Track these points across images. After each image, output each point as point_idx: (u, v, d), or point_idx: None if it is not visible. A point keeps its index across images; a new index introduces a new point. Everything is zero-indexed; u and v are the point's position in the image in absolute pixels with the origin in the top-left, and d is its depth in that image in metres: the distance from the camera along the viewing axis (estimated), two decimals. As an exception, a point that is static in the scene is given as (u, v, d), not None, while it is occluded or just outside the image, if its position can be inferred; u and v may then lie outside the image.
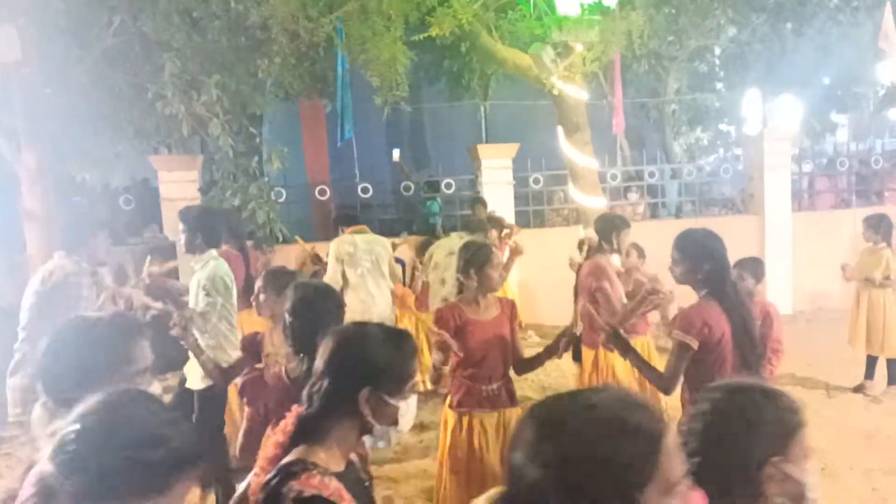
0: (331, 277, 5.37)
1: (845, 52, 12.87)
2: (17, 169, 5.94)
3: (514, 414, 3.29)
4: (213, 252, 4.08)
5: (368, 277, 5.43)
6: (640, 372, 3.04)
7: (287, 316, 2.58)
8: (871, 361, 5.94)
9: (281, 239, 7.77)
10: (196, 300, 3.94)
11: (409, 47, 7.92)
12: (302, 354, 2.50)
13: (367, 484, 1.71)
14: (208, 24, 7.22)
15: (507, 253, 5.93)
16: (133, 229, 8.73)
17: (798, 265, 9.08)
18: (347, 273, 5.40)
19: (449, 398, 3.36)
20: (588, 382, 4.13)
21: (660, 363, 3.06)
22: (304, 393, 1.66)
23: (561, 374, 6.69)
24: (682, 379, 2.88)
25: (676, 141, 14.23)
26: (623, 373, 4.12)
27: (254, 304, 3.32)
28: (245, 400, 2.89)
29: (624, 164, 11.00)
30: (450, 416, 3.28)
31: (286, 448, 1.60)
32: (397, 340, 1.73)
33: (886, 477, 4.39)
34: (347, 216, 6.36)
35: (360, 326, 1.79)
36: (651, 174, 9.75)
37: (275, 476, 1.53)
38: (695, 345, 2.77)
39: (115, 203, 8.61)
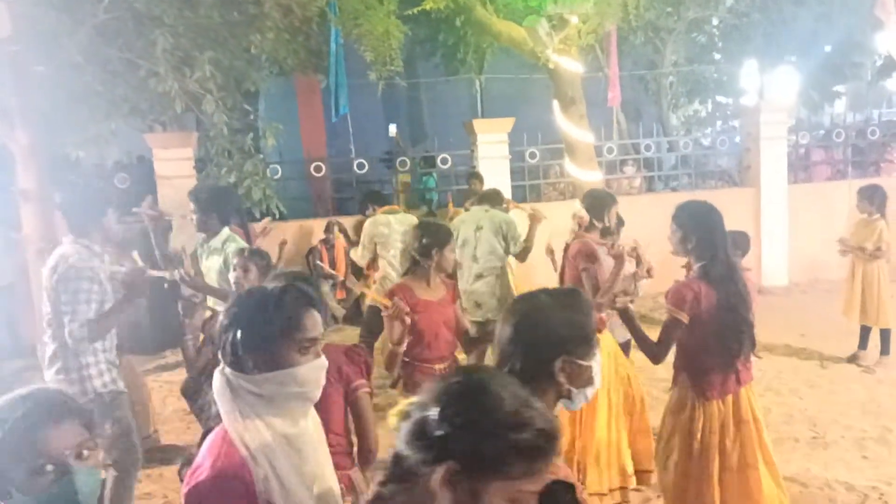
0: (358, 256, 5.70)
1: (844, 22, 12.73)
2: (11, 148, 5.90)
3: None
4: (227, 231, 4.07)
5: (402, 258, 5.49)
6: (635, 339, 3.08)
7: None
8: (865, 332, 5.99)
9: (277, 216, 7.75)
10: (219, 279, 3.95)
11: (402, 21, 7.84)
12: None
13: None
14: (200, -1, 7.12)
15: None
16: (129, 208, 8.69)
17: (794, 237, 9.11)
18: (380, 254, 5.54)
19: (401, 384, 3.32)
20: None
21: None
22: None
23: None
24: (672, 349, 2.99)
25: (674, 113, 14.16)
26: (609, 348, 4.13)
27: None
28: None
29: (620, 137, 10.96)
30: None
31: None
32: (571, 301, 1.69)
33: (878, 445, 4.46)
34: (378, 195, 6.36)
35: (530, 299, 1.73)
36: (647, 147, 9.72)
37: None
38: (685, 319, 2.84)
39: (110, 181, 8.57)
